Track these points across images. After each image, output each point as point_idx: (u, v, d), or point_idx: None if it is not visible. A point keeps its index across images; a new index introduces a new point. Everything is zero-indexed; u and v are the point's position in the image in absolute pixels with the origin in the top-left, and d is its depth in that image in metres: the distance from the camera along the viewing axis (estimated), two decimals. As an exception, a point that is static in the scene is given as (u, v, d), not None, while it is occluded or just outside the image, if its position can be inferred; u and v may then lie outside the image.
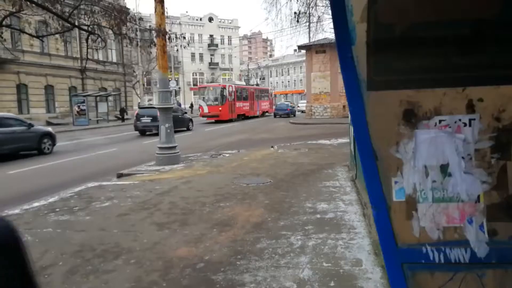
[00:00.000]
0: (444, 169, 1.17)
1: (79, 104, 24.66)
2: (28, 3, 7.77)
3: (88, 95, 25.33)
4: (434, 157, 1.17)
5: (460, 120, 1.16)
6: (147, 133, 17.41)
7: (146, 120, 17.44)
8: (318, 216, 4.54)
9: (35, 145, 11.55)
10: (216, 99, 26.75)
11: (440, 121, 1.16)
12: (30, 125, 11.66)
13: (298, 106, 39.22)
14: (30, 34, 9.50)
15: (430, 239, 1.18)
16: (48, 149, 11.94)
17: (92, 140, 15.94)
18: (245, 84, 39.63)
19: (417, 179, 1.18)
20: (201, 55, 60.18)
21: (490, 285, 1.18)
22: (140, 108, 20.62)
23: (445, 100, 1.16)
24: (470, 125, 1.16)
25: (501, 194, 1.16)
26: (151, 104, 44.50)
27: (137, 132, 17.91)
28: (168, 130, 8.62)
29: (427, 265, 1.19)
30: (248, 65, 70.55)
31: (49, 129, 12.80)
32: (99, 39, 9.45)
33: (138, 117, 17.87)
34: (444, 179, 1.17)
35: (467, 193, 1.17)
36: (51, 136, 12.17)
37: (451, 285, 1.19)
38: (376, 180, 1.18)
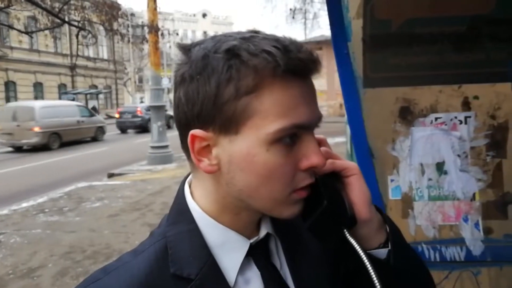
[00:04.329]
0: (440, 167, 1.17)
1: (69, 102, 24.27)
2: (17, -2, 7.61)
3: (78, 93, 24.96)
4: (430, 155, 1.16)
5: (456, 117, 1.15)
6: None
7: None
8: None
9: None
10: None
11: (436, 119, 1.15)
12: None
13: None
14: (19, 30, 9.30)
15: (426, 237, 1.18)
16: None
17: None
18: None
19: (413, 177, 1.17)
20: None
21: (485, 283, 1.18)
22: None
23: (441, 97, 1.15)
24: (465, 123, 1.15)
25: (496, 192, 1.16)
26: (142, 102, 44.24)
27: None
28: (161, 129, 8.53)
29: (423, 264, 1.18)
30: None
31: None
32: (90, 35, 9.30)
33: None
34: (440, 177, 1.17)
35: (463, 191, 1.16)
36: None
37: (447, 284, 1.18)
38: (372, 178, 1.16)
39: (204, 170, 0.47)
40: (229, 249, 0.49)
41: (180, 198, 0.53)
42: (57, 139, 12.49)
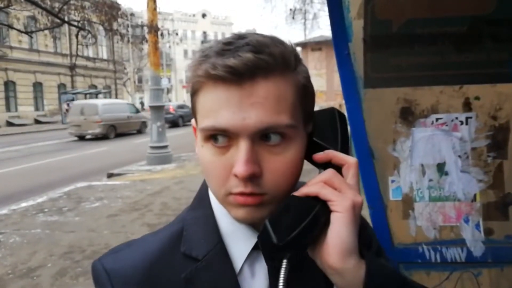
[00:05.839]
0: (440, 168, 1.16)
1: (68, 102, 24.21)
2: (16, -2, 7.60)
3: (78, 93, 24.93)
4: (431, 156, 1.16)
5: (457, 118, 1.15)
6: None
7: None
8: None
9: None
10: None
11: (437, 119, 1.15)
12: None
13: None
14: (18, 30, 9.30)
15: (426, 238, 1.17)
16: None
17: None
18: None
19: (413, 178, 1.17)
20: (194, 52, 59.74)
21: (486, 284, 1.17)
22: None
23: (442, 98, 1.15)
24: (467, 124, 1.15)
25: (497, 193, 1.15)
26: (142, 102, 44.41)
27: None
28: (160, 129, 8.52)
29: (424, 265, 1.18)
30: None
31: None
32: (89, 35, 9.30)
33: None
34: (440, 178, 1.16)
35: (464, 192, 1.16)
36: None
37: (447, 285, 1.18)
38: (372, 179, 1.16)
39: (196, 152, 0.52)
40: (237, 238, 0.52)
41: (203, 185, 0.57)
42: (113, 131, 15.24)
